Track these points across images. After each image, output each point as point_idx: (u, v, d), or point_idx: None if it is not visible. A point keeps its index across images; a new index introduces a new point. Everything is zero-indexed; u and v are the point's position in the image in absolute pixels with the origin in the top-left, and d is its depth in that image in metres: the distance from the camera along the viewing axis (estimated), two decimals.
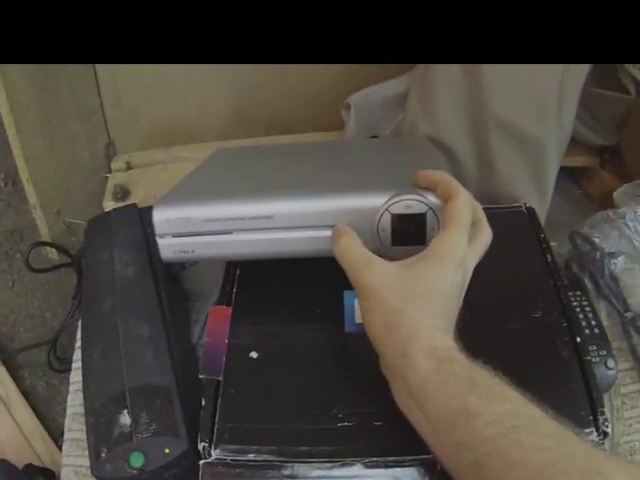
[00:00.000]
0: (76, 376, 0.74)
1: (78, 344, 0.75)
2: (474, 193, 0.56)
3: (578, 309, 0.71)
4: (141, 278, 0.71)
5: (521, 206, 0.77)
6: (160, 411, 0.58)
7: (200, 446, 0.54)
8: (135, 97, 1.08)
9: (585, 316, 0.71)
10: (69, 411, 0.73)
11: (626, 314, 0.74)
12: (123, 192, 1.00)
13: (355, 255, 0.53)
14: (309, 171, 0.72)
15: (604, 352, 0.68)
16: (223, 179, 0.73)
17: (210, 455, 0.53)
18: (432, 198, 0.55)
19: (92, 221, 0.81)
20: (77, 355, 0.75)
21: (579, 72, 0.81)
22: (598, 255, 0.77)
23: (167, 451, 0.56)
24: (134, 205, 0.82)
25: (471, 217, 0.53)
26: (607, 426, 0.53)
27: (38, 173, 0.93)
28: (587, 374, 0.57)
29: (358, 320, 0.62)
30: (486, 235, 0.56)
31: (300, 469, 0.52)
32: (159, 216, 0.59)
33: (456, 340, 0.49)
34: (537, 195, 0.84)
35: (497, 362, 0.47)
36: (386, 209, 0.56)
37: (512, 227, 0.73)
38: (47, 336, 1.02)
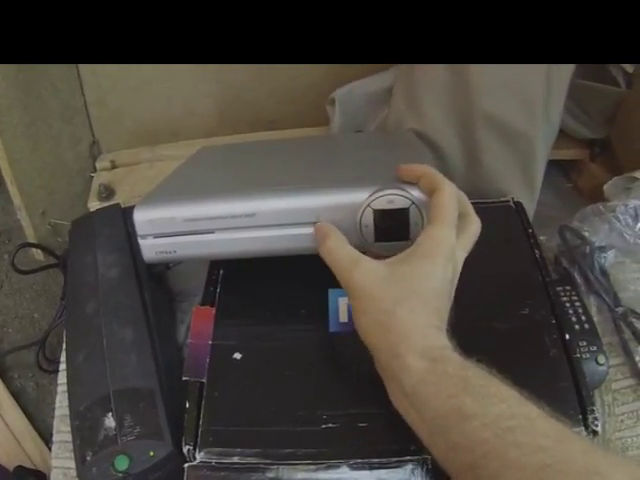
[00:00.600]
0: (63, 378, 0.73)
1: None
2: (461, 188, 0.56)
3: (568, 304, 0.71)
4: (124, 280, 0.70)
5: (509, 200, 0.76)
6: (144, 414, 0.58)
7: (185, 449, 0.54)
8: (119, 96, 1.07)
9: (575, 311, 0.70)
10: (57, 413, 0.73)
11: (617, 309, 0.73)
12: (108, 192, 0.99)
13: (343, 255, 0.52)
14: (292, 168, 0.71)
15: (594, 348, 0.67)
16: (205, 178, 0.72)
17: (195, 458, 0.53)
18: (415, 192, 0.54)
19: (75, 222, 0.80)
20: (64, 356, 0.75)
21: (566, 67, 0.81)
22: (588, 249, 0.77)
23: (152, 454, 0.55)
24: (117, 205, 0.81)
25: (457, 209, 0.53)
26: (597, 425, 0.53)
27: (22, 174, 0.92)
28: (576, 372, 0.56)
29: (342, 319, 0.62)
30: (474, 226, 0.56)
31: (285, 471, 0.52)
32: (140, 217, 0.59)
33: (449, 337, 0.49)
34: (525, 190, 0.83)
35: (483, 362, 0.47)
36: (368, 205, 0.55)
37: (500, 222, 0.72)
38: (36, 337, 1.02)
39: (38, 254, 0.96)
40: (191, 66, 1.03)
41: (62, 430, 0.70)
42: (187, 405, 0.56)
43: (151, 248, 0.60)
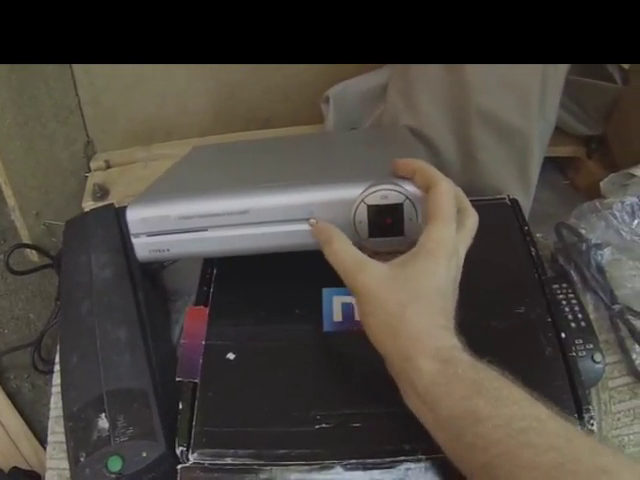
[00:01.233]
0: (58, 378, 0.73)
1: None
2: (457, 185, 0.56)
3: (564, 302, 0.71)
4: (118, 280, 0.70)
5: (505, 198, 0.76)
6: (138, 415, 0.58)
7: (178, 450, 0.53)
8: (113, 96, 1.07)
9: (571, 309, 0.70)
10: (52, 414, 0.72)
11: (613, 306, 0.73)
12: (102, 191, 0.99)
13: (349, 257, 0.52)
14: (285, 165, 0.71)
15: (591, 346, 0.67)
16: (198, 176, 0.72)
17: (188, 459, 0.53)
18: (409, 187, 0.54)
19: (69, 223, 0.80)
20: (58, 357, 0.75)
21: (562, 64, 0.80)
22: (584, 247, 0.76)
23: (145, 455, 0.55)
24: (111, 205, 0.81)
25: (455, 205, 0.52)
26: (592, 424, 0.53)
27: (16, 175, 0.92)
28: (572, 371, 0.56)
29: (337, 319, 0.62)
30: (472, 220, 0.55)
31: (278, 472, 0.51)
32: (133, 215, 0.58)
33: (457, 334, 0.49)
34: (521, 187, 0.83)
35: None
36: (362, 200, 0.55)
37: (495, 219, 0.72)
38: (32, 337, 1.01)
39: (33, 255, 0.96)
40: (185, 65, 1.03)
41: (57, 431, 0.70)
42: (180, 406, 0.56)
43: (144, 247, 0.60)
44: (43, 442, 1.09)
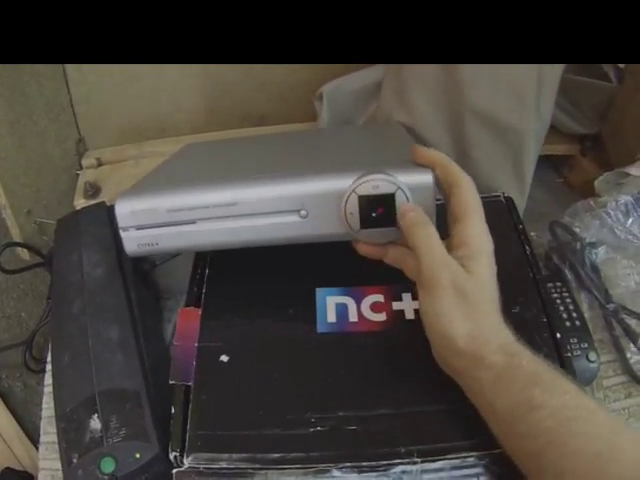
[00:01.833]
0: (50, 378, 0.72)
1: None
2: None
3: (559, 301, 0.70)
4: (110, 279, 0.69)
5: (499, 196, 0.76)
6: (130, 415, 0.57)
7: (171, 455, 0.53)
8: (106, 93, 1.06)
9: (566, 308, 0.70)
10: (44, 414, 0.72)
11: (608, 305, 0.73)
12: (94, 189, 0.98)
13: (438, 252, 0.51)
14: (276, 158, 0.71)
15: (585, 345, 0.67)
16: (188, 171, 0.71)
17: (182, 464, 0.53)
18: (401, 177, 0.53)
19: (61, 221, 0.79)
20: (50, 357, 0.74)
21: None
22: (579, 245, 0.76)
23: (138, 456, 0.55)
24: (102, 203, 0.80)
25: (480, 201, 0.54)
26: None
27: (7, 173, 0.91)
28: (567, 371, 0.55)
29: (331, 320, 0.61)
30: None
31: (273, 476, 0.51)
32: (121, 208, 0.58)
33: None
34: (516, 185, 0.83)
35: None
36: (353, 190, 0.54)
37: (490, 218, 0.71)
38: (23, 336, 1.00)
39: (24, 253, 0.95)
40: None
41: (49, 431, 0.70)
42: (173, 410, 0.56)
43: (133, 240, 0.59)
44: (36, 442, 1.08)
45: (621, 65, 0.88)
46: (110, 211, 0.76)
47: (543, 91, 0.78)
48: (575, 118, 0.95)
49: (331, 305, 0.62)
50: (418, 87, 0.81)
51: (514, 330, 0.50)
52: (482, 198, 0.72)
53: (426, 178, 0.54)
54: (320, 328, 0.61)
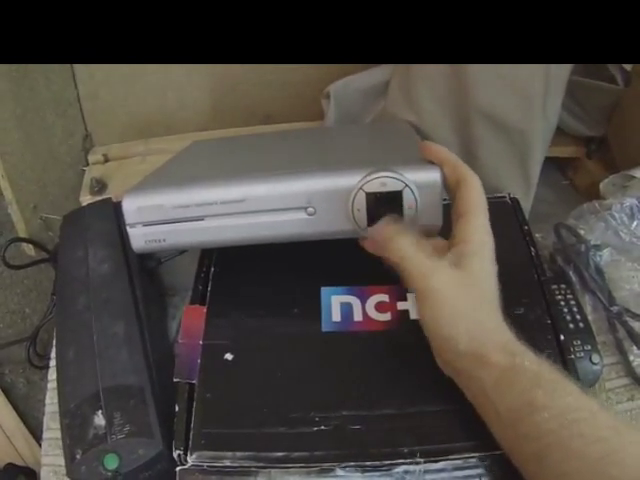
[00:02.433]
0: (54, 374, 0.72)
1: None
2: None
3: (563, 303, 0.70)
4: (115, 275, 0.69)
5: (505, 196, 0.75)
6: (134, 412, 0.57)
7: (175, 454, 0.53)
8: (113, 89, 1.06)
9: (570, 310, 0.70)
10: (48, 409, 0.72)
11: (612, 308, 0.73)
12: (100, 185, 0.98)
13: (420, 260, 0.51)
14: (284, 155, 0.71)
15: (589, 347, 0.67)
16: (196, 167, 0.72)
17: (186, 461, 0.53)
18: (408, 175, 0.53)
19: (67, 217, 0.79)
20: (54, 352, 0.74)
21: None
22: (583, 248, 0.76)
23: (141, 452, 0.55)
24: (109, 200, 0.80)
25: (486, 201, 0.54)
26: None
27: (13, 168, 0.91)
28: (570, 373, 0.55)
29: (335, 319, 0.61)
30: None
31: (277, 475, 0.51)
32: (129, 205, 0.58)
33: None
34: (522, 186, 0.83)
35: None
36: (360, 188, 0.54)
37: (495, 218, 0.71)
38: (27, 332, 1.01)
39: (29, 249, 0.95)
40: None
41: (52, 427, 0.70)
42: (177, 408, 0.56)
43: (140, 237, 0.59)
44: (38, 438, 1.08)
45: (628, 68, 0.87)
46: (116, 207, 0.77)
47: (550, 92, 0.78)
48: (581, 120, 0.95)
49: (336, 304, 0.62)
50: (425, 87, 0.81)
51: (517, 331, 0.50)
52: (487, 199, 0.73)
53: (434, 176, 0.54)
54: (325, 327, 0.61)
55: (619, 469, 0.41)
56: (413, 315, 0.62)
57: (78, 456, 0.55)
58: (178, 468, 0.53)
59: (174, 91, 1.08)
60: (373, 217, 0.55)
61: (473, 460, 0.50)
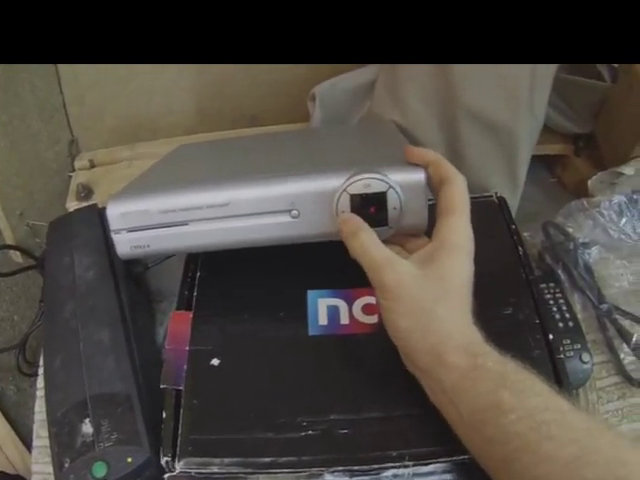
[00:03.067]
0: (42, 382, 0.72)
1: None
2: None
3: (552, 302, 0.70)
4: (102, 282, 0.69)
5: (492, 195, 0.75)
6: (122, 419, 0.57)
7: (163, 461, 0.53)
8: (99, 94, 1.06)
9: (559, 309, 0.70)
10: (37, 417, 0.72)
11: (601, 306, 0.73)
12: (86, 191, 0.98)
13: (377, 253, 0.51)
14: (268, 158, 0.71)
15: (578, 346, 0.67)
16: (180, 172, 0.71)
17: (174, 468, 0.52)
18: (393, 176, 0.53)
19: (53, 224, 0.79)
20: (42, 360, 0.74)
21: None
22: (572, 245, 0.76)
23: (129, 460, 0.55)
24: (94, 206, 0.80)
25: (469, 201, 0.53)
26: None
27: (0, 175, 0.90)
28: (559, 373, 0.56)
29: (322, 322, 0.61)
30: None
31: None
32: (113, 210, 0.58)
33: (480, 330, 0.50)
34: (509, 185, 0.82)
35: None
36: (344, 189, 0.54)
37: (483, 218, 0.71)
38: (17, 339, 1.00)
39: (17, 256, 0.94)
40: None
41: (42, 435, 0.70)
42: (164, 414, 0.55)
43: (125, 243, 0.59)
44: (29, 446, 1.07)
45: (615, 64, 0.87)
46: (102, 213, 0.76)
47: (536, 90, 0.78)
48: (568, 117, 0.95)
49: (322, 307, 0.62)
50: (411, 86, 0.81)
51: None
52: (474, 198, 0.73)
53: (418, 177, 0.54)
54: (311, 331, 0.61)
55: (594, 470, 0.39)
56: None
57: (66, 464, 0.55)
58: (166, 475, 0.52)
59: (160, 96, 1.08)
60: None
61: (462, 463, 0.50)
